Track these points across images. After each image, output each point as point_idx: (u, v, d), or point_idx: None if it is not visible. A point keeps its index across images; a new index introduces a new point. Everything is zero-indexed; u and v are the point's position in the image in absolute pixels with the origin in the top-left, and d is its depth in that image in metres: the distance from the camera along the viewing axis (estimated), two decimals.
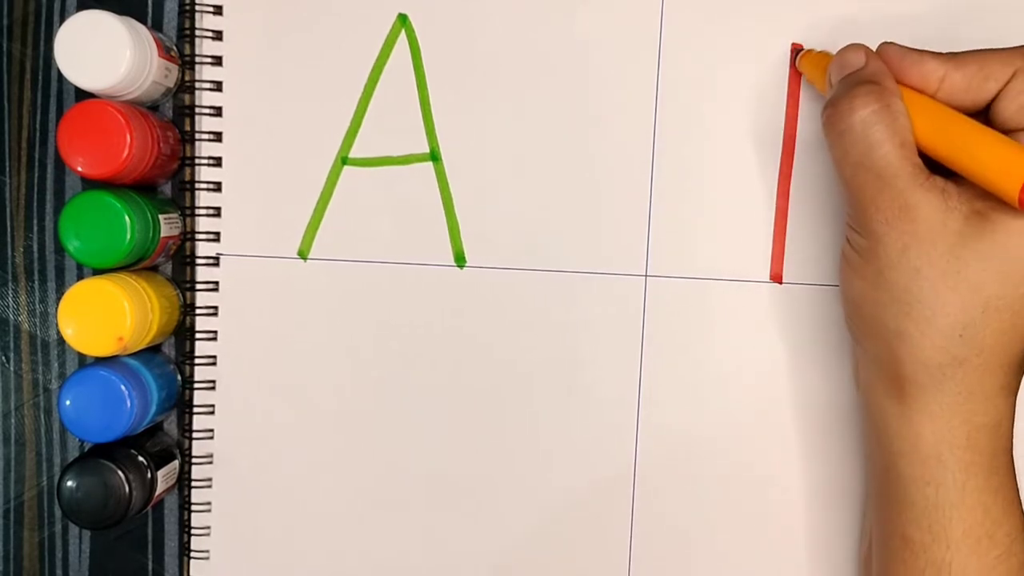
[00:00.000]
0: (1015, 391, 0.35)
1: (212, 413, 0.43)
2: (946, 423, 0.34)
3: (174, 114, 0.43)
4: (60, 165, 0.43)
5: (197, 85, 0.42)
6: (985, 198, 0.33)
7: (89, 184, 0.42)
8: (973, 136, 0.33)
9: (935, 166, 0.34)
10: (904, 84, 0.35)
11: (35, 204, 0.43)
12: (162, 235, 0.41)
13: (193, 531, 0.43)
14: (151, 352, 0.43)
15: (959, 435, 0.34)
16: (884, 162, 0.34)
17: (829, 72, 0.37)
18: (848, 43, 0.37)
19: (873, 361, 0.36)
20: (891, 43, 0.36)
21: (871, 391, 0.37)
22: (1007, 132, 0.34)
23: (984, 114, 0.35)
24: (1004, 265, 0.33)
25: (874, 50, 0.36)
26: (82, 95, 0.42)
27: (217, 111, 0.43)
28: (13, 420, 0.44)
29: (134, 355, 0.41)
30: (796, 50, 0.42)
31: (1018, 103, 0.34)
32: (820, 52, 0.40)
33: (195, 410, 0.43)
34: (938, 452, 0.35)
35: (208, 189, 0.43)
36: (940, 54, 0.35)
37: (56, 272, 0.43)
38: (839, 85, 0.36)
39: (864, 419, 0.38)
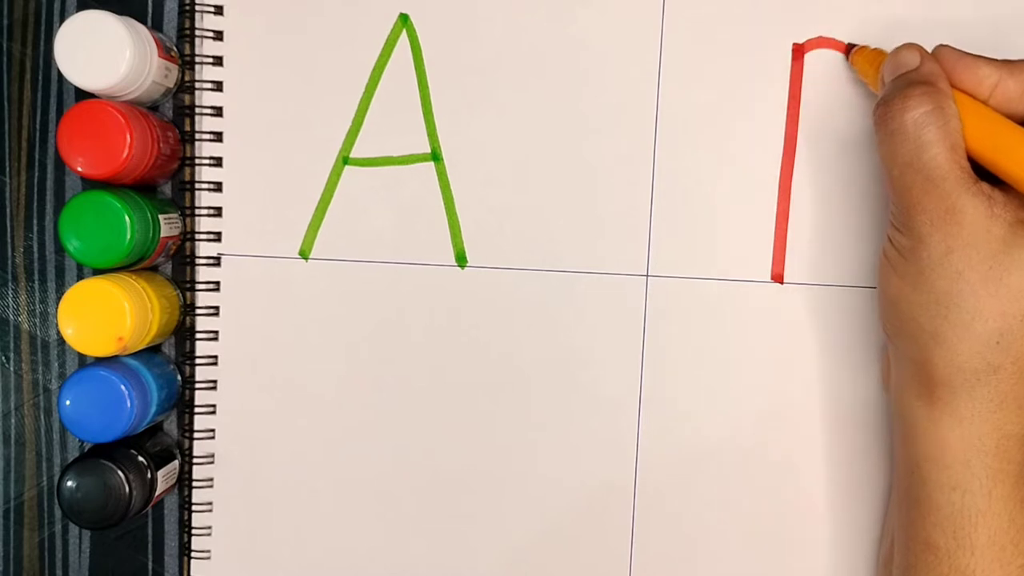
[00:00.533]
0: None
1: (213, 413, 0.43)
2: (976, 430, 0.34)
3: (174, 114, 0.43)
4: (60, 165, 0.43)
5: (197, 85, 0.42)
6: None
7: (89, 184, 0.42)
8: (1022, 145, 0.33)
9: (982, 173, 0.34)
10: (957, 88, 0.35)
11: (35, 204, 0.43)
12: (162, 235, 0.41)
13: (194, 531, 0.43)
14: (151, 352, 0.43)
15: (988, 442, 0.34)
16: (933, 163, 0.34)
17: (883, 70, 0.37)
18: (904, 42, 0.37)
19: (906, 362, 0.36)
20: (946, 46, 0.36)
21: (901, 392, 0.37)
22: None
23: None
24: None
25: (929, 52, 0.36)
26: (82, 95, 0.42)
27: (217, 111, 0.42)
28: (13, 420, 0.44)
29: (134, 355, 0.41)
30: (850, 46, 0.41)
31: None
32: (874, 49, 0.40)
33: (196, 410, 0.43)
34: (966, 458, 0.34)
35: (208, 189, 0.43)
36: (995, 60, 0.35)
37: (56, 272, 0.43)
38: (892, 84, 0.36)
39: (892, 420, 0.38)
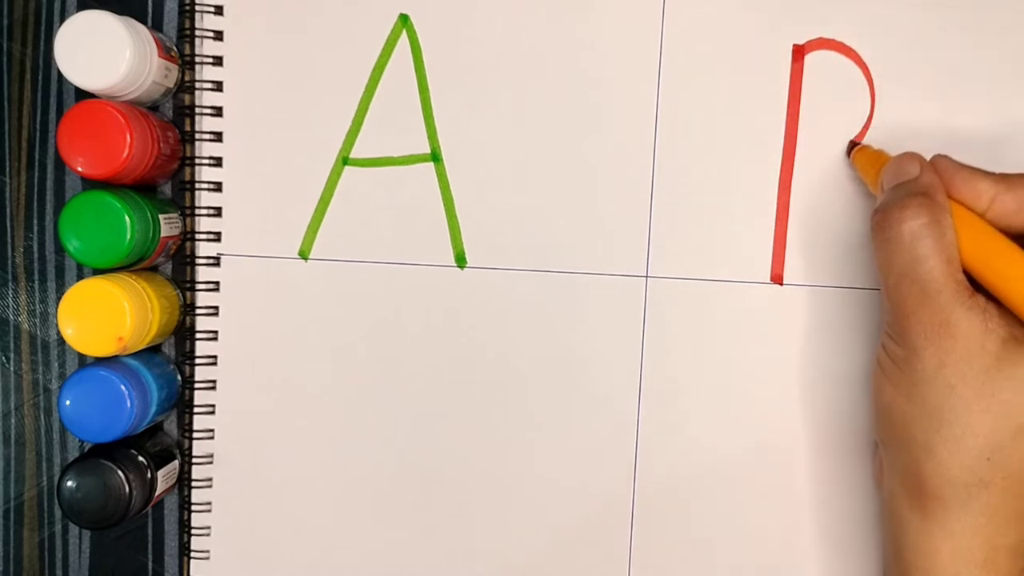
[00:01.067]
0: None
1: (212, 413, 0.43)
2: (966, 542, 0.34)
3: (174, 114, 0.43)
4: (60, 165, 0.43)
5: (197, 85, 0.42)
6: None
7: (89, 184, 0.42)
8: (1018, 265, 0.34)
9: (978, 285, 0.34)
10: (954, 199, 0.35)
11: (35, 204, 0.43)
12: (162, 235, 0.41)
13: (193, 531, 0.43)
14: (151, 352, 0.43)
15: (978, 555, 0.34)
16: (929, 276, 0.34)
17: (883, 176, 0.37)
18: (906, 151, 0.37)
19: (898, 470, 0.36)
20: (945, 157, 0.36)
21: (893, 499, 0.37)
22: None
23: None
24: None
25: (928, 160, 0.37)
26: (82, 95, 0.42)
27: (217, 111, 0.42)
28: (13, 420, 0.44)
29: (134, 355, 0.41)
30: (852, 143, 0.42)
31: None
32: (876, 150, 0.40)
33: (195, 410, 0.43)
34: (955, 570, 0.35)
35: (208, 189, 0.43)
36: (992, 174, 0.35)
37: (56, 272, 0.43)
38: (891, 192, 0.36)
39: (883, 522, 0.38)
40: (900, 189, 0.36)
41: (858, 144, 0.41)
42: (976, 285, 0.34)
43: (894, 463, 0.37)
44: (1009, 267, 0.34)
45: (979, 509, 0.34)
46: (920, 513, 0.35)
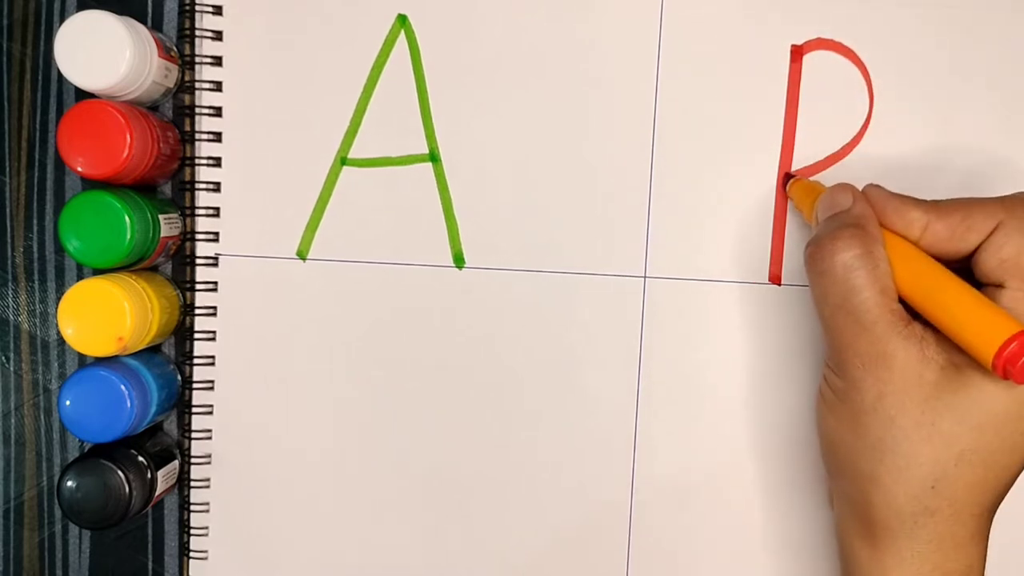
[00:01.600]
0: (986, 537, 0.35)
1: (211, 413, 0.43)
2: (916, 570, 0.34)
3: (174, 114, 0.43)
4: (60, 165, 0.43)
5: (197, 85, 0.42)
6: (962, 351, 0.33)
7: (89, 184, 0.42)
8: (952, 293, 0.33)
9: (915, 313, 0.34)
10: (887, 228, 0.35)
11: (35, 204, 0.43)
12: (162, 235, 0.41)
13: (192, 531, 0.43)
14: (151, 352, 0.43)
15: None
16: (863, 308, 0.34)
17: (817, 207, 0.38)
18: (838, 182, 0.37)
19: (846, 501, 0.36)
20: (876, 186, 0.36)
21: (843, 528, 0.37)
22: (988, 284, 0.34)
23: (967, 263, 0.35)
24: (978, 420, 0.33)
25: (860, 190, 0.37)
26: (82, 95, 0.42)
27: (217, 111, 0.43)
28: (13, 420, 0.44)
29: (134, 355, 0.41)
30: (787, 175, 0.42)
31: (999, 257, 0.34)
32: (811, 181, 0.40)
33: (194, 410, 0.43)
34: None
35: (208, 189, 0.43)
36: (923, 202, 0.35)
37: (56, 272, 0.43)
38: (824, 224, 0.36)
39: (838, 552, 0.38)
40: (833, 221, 0.36)
41: (793, 175, 0.42)
42: (913, 313, 0.34)
43: (842, 493, 0.37)
44: (944, 294, 0.33)
45: (927, 537, 0.34)
46: (870, 543, 0.35)
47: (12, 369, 0.44)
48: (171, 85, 0.42)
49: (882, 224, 0.35)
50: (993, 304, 0.33)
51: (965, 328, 0.32)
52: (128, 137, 0.38)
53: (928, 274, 0.34)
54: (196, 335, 0.43)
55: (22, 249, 0.43)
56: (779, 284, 0.43)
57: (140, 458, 0.40)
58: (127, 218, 0.38)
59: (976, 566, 0.35)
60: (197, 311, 0.43)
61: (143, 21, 0.41)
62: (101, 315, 0.38)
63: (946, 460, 0.33)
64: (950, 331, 0.33)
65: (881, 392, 0.34)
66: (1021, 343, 0.31)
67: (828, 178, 0.42)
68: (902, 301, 0.34)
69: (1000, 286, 0.34)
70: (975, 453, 0.33)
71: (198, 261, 0.43)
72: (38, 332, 0.44)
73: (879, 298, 0.34)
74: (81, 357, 0.43)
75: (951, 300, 0.33)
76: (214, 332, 0.43)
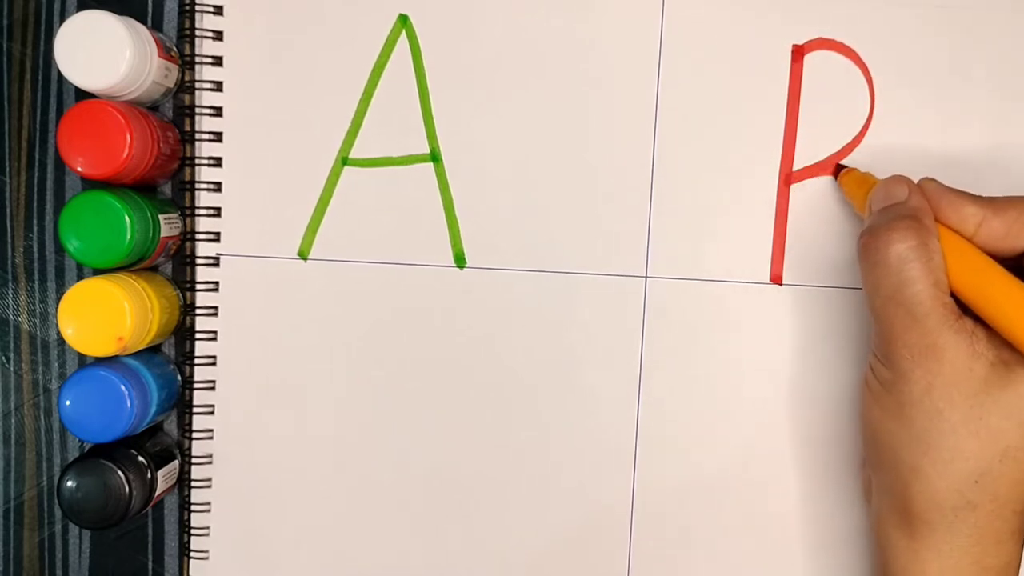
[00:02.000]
0: None
1: (212, 413, 0.43)
2: (954, 563, 0.35)
3: (174, 114, 0.43)
4: (60, 165, 0.43)
5: (197, 85, 0.42)
6: (1012, 347, 0.33)
7: (89, 184, 0.42)
8: (1004, 289, 0.33)
9: (966, 308, 0.34)
10: (942, 223, 0.35)
11: (35, 204, 0.43)
12: (162, 235, 0.41)
13: (193, 531, 0.43)
14: (151, 352, 0.43)
15: (967, 575, 0.34)
16: (916, 300, 0.34)
17: (871, 198, 0.37)
18: (894, 174, 0.37)
19: (886, 492, 0.36)
20: (932, 180, 0.36)
21: (881, 519, 0.37)
22: None
23: (1021, 260, 0.35)
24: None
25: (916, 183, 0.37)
26: (82, 95, 0.42)
27: (217, 111, 0.43)
28: (13, 420, 0.44)
29: (134, 355, 0.41)
30: (839, 166, 0.42)
31: None
32: (864, 173, 0.40)
33: (195, 410, 0.43)
34: None
35: (208, 189, 0.43)
36: (979, 198, 0.35)
37: (56, 272, 0.43)
38: (879, 214, 0.36)
39: (872, 543, 0.38)
40: (888, 212, 0.36)
41: (845, 167, 0.42)
42: (964, 308, 0.34)
43: (882, 484, 0.37)
44: (996, 291, 0.34)
45: (967, 531, 0.34)
46: (908, 534, 0.35)
47: (12, 369, 0.44)
48: (171, 85, 0.42)
49: (937, 218, 0.35)
50: None
51: (1016, 325, 0.33)
52: (128, 137, 0.38)
53: (981, 270, 0.34)
54: (197, 335, 0.43)
55: (22, 249, 0.43)
56: (780, 284, 0.43)
57: (140, 458, 0.40)
58: (127, 218, 0.38)
59: (1014, 563, 0.35)
60: (198, 311, 0.43)
61: (143, 21, 0.41)
62: (101, 315, 0.38)
63: (991, 455, 0.34)
64: (1001, 327, 0.33)
65: (930, 384, 0.34)
66: None
67: (831, 185, 0.42)
68: (953, 296, 0.34)
69: None
70: (1020, 450, 0.34)
71: (199, 261, 0.43)
72: (38, 332, 0.44)
73: (932, 290, 0.34)
74: (81, 357, 0.43)
75: (1003, 296, 0.33)
76: (215, 332, 0.43)
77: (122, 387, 0.39)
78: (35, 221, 0.43)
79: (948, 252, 0.35)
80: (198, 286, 0.43)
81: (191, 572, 0.44)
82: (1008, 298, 0.33)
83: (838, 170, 0.42)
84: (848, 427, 0.43)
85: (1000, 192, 0.36)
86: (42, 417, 0.44)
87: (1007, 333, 0.33)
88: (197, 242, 0.43)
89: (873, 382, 0.36)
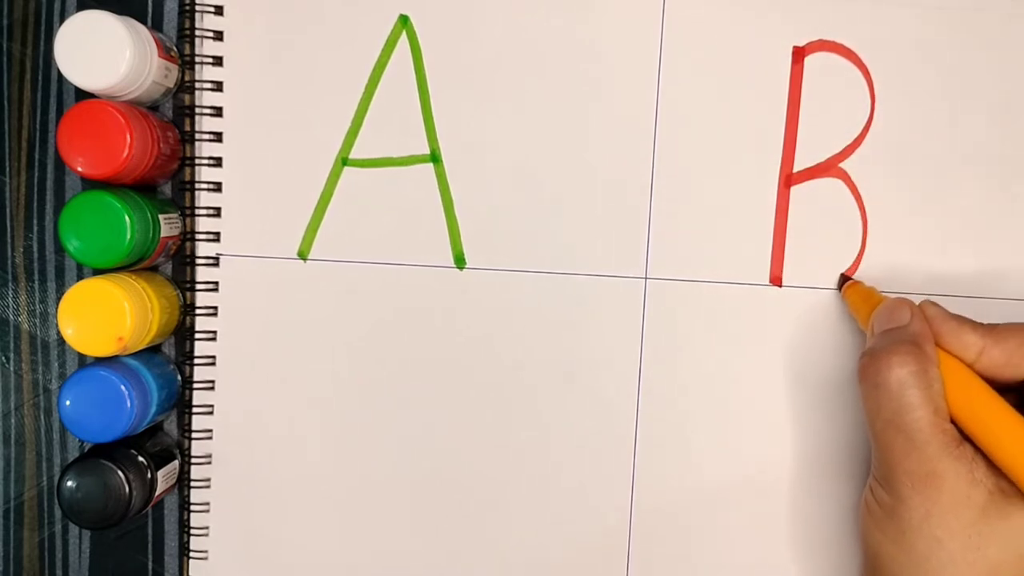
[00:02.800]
0: None
1: (211, 413, 0.43)
2: None
3: (174, 114, 0.43)
4: (60, 165, 0.43)
5: (197, 85, 0.42)
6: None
7: (89, 184, 0.42)
8: (1002, 422, 0.34)
9: (965, 434, 0.34)
10: (942, 348, 0.36)
11: (35, 204, 0.43)
12: (162, 235, 0.41)
13: (192, 531, 0.43)
14: (151, 352, 0.43)
15: None
16: (916, 426, 0.34)
17: (874, 319, 0.38)
18: (896, 296, 0.38)
19: None
20: (934, 305, 0.37)
21: None
22: None
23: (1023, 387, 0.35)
24: (1023, 548, 0.33)
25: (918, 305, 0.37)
26: (82, 95, 0.42)
27: (217, 111, 0.42)
28: (13, 420, 0.44)
29: (134, 355, 0.41)
30: (844, 277, 0.42)
31: None
32: (868, 288, 0.40)
33: (194, 410, 0.43)
34: None
35: (208, 189, 0.43)
36: (980, 326, 0.36)
37: (56, 272, 0.43)
38: (880, 337, 0.36)
39: None
40: (889, 336, 0.36)
41: (849, 279, 0.42)
42: (964, 434, 0.34)
43: None
44: (995, 421, 0.34)
45: None
46: None
47: (12, 369, 0.44)
48: (171, 85, 0.42)
49: (938, 344, 0.36)
50: None
51: (1013, 459, 0.33)
52: (128, 137, 0.38)
53: (980, 400, 0.34)
54: (197, 335, 0.43)
55: (22, 249, 0.43)
56: (780, 286, 0.43)
57: (140, 458, 0.40)
58: (127, 218, 0.38)
59: None
60: (198, 311, 0.43)
61: (143, 21, 0.41)
62: (101, 315, 0.38)
63: None
64: (998, 460, 0.33)
65: (928, 512, 0.34)
66: None
67: (831, 187, 0.42)
68: (953, 422, 0.34)
69: None
70: None
71: (199, 261, 0.43)
72: (38, 332, 0.44)
73: (932, 418, 0.34)
74: (81, 357, 0.43)
75: (1002, 428, 0.33)
76: (215, 332, 0.43)
77: (122, 387, 0.39)
78: (35, 221, 0.43)
79: (948, 379, 0.35)
80: (198, 286, 0.43)
81: (191, 572, 0.44)
82: (1006, 431, 0.33)
83: (843, 281, 0.42)
84: (847, 428, 0.43)
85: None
86: (42, 417, 0.44)
87: (1004, 466, 0.33)
88: (197, 242, 0.43)
89: (873, 505, 0.36)
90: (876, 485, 0.36)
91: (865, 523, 0.37)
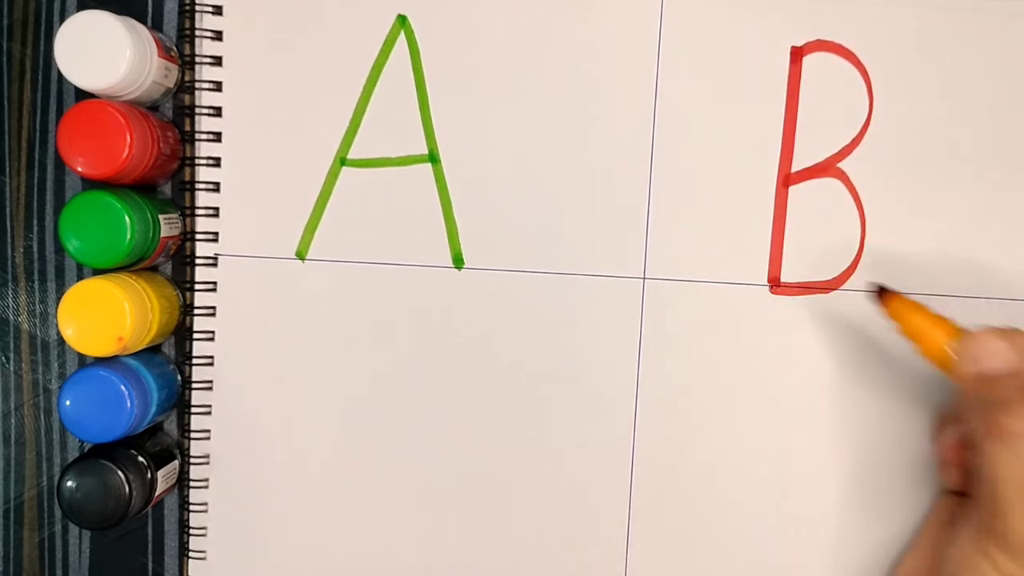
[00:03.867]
0: None
1: (209, 413, 0.43)
2: None
3: (174, 114, 0.43)
4: (60, 165, 0.43)
5: (197, 85, 0.42)
6: None
7: (89, 184, 0.42)
8: None
9: None
10: None
11: (35, 204, 0.43)
12: (162, 235, 0.41)
13: (191, 531, 0.44)
14: (151, 352, 0.43)
15: None
16: None
17: (958, 351, 0.35)
18: (987, 329, 0.35)
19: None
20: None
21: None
22: None
23: None
24: None
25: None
26: (82, 95, 0.42)
27: (217, 111, 0.43)
28: (13, 420, 0.44)
29: (134, 355, 0.41)
30: (880, 289, 0.38)
31: None
32: (913, 301, 0.37)
33: (192, 410, 0.43)
34: None
35: (207, 189, 0.43)
36: None
37: (56, 272, 0.43)
38: (1007, 387, 0.33)
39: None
40: (1014, 383, 0.33)
41: (888, 291, 0.38)
42: None
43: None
44: None
45: None
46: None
47: (12, 369, 0.44)
48: (171, 85, 0.42)
49: None
50: None
51: None
52: (128, 137, 0.38)
53: None
54: (195, 335, 0.43)
55: (22, 249, 0.43)
56: (778, 285, 0.43)
57: (140, 458, 0.40)
58: (127, 218, 0.38)
59: None
60: (196, 311, 0.43)
61: (143, 21, 0.41)
62: (101, 315, 0.38)
63: None
64: None
65: None
66: None
67: (829, 187, 0.42)
68: None
69: None
70: None
71: (197, 261, 0.43)
72: (38, 332, 0.44)
73: None
74: (81, 357, 0.44)
75: None
76: (213, 332, 0.43)
77: (122, 387, 0.39)
78: (35, 221, 0.43)
79: None
80: (197, 286, 0.43)
81: (190, 572, 0.44)
82: None
83: (881, 293, 0.38)
84: (845, 428, 0.43)
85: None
86: (42, 417, 0.44)
87: None
88: (196, 242, 0.43)
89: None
90: (998, 553, 0.33)
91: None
